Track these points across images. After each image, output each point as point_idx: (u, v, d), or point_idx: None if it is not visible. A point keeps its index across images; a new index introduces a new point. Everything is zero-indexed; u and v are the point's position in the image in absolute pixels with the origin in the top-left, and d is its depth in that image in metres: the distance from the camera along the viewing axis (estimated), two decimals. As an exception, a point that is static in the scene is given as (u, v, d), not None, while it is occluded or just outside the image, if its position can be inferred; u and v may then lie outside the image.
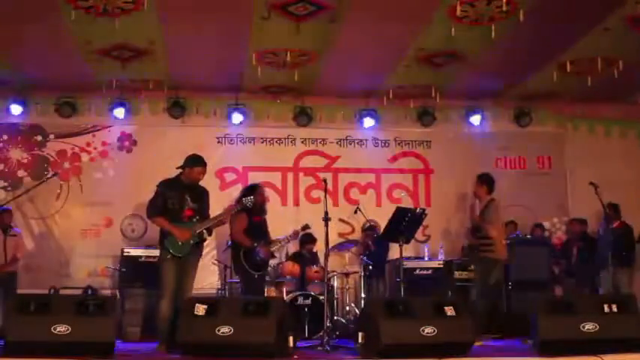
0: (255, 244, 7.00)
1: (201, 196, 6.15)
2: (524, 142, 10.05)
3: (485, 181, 7.18)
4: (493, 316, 7.07)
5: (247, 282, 7.03)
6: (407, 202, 9.42)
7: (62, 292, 7.71)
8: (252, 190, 7.09)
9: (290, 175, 9.70)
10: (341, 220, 9.35)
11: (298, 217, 8.75)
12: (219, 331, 5.13)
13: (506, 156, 10.04)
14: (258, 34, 7.37)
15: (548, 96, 9.58)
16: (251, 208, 6.71)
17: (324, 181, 6.97)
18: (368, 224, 9.17)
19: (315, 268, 8.10)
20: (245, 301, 5.45)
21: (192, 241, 5.92)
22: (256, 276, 7.02)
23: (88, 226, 9.15)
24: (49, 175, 8.69)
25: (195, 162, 6.09)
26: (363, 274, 8.31)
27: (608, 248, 7.31)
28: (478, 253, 7.02)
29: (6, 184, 9.14)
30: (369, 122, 9.66)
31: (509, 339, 7.09)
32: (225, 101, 9.48)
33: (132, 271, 7.76)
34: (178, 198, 5.98)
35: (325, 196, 6.65)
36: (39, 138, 9.32)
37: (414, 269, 8.03)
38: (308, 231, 8.20)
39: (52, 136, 9.34)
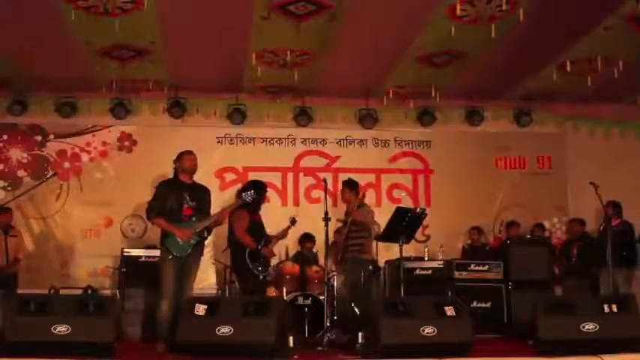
0: (259, 246, 6.97)
1: (201, 195, 6.14)
2: (524, 142, 10.04)
3: (351, 185, 7.32)
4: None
5: (251, 283, 6.91)
6: (407, 202, 9.41)
7: (62, 292, 7.68)
8: (256, 186, 6.85)
9: (290, 175, 9.70)
10: (340, 220, 9.33)
11: (298, 217, 8.74)
12: (219, 331, 5.13)
13: (506, 156, 10.04)
14: (258, 34, 7.37)
15: (548, 96, 9.57)
16: (251, 205, 6.67)
17: (324, 181, 6.97)
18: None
19: (315, 267, 8.11)
20: (245, 301, 5.45)
21: (192, 241, 5.92)
22: (261, 277, 6.97)
23: (88, 226, 9.15)
24: (49, 175, 8.69)
25: (183, 152, 6.19)
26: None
27: (608, 248, 7.29)
28: (346, 254, 7.10)
29: (6, 184, 9.14)
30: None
31: (510, 339, 7.10)
32: (225, 101, 9.48)
33: (132, 271, 7.74)
34: (177, 197, 5.98)
35: (325, 196, 6.65)
36: (39, 138, 9.32)
37: (414, 269, 8.01)
38: (306, 231, 8.19)
39: (52, 136, 9.34)
